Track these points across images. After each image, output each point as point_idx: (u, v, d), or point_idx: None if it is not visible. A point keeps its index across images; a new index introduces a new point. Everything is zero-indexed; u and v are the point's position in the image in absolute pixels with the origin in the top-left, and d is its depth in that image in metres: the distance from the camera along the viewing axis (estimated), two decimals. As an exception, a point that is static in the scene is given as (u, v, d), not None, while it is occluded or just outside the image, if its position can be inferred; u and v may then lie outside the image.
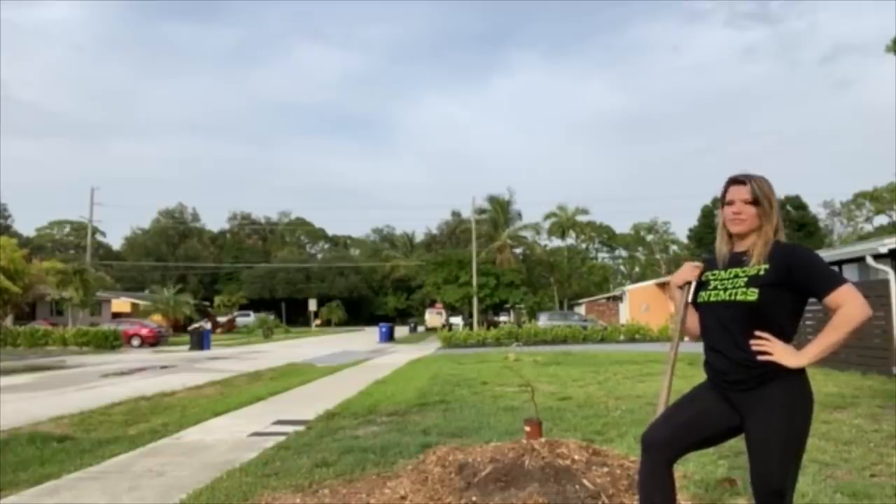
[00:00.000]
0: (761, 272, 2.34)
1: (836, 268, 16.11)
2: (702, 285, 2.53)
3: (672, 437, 2.43)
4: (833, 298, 2.25)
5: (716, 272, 2.49)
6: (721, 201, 2.51)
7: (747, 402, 2.32)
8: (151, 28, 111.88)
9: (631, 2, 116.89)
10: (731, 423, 2.40)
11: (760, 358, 2.28)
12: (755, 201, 2.39)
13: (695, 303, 2.59)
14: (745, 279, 2.35)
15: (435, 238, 79.52)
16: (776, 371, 2.28)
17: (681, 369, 9.77)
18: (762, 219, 2.40)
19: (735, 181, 2.45)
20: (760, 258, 2.36)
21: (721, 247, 2.52)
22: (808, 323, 13.76)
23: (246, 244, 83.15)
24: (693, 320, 2.64)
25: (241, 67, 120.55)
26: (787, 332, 2.36)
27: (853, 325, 2.22)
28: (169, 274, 68.64)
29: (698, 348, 2.59)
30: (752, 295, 2.31)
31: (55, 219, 74.13)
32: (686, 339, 2.71)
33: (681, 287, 2.63)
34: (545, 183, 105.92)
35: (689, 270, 2.62)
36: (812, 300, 2.33)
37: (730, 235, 2.50)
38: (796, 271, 2.30)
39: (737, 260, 2.44)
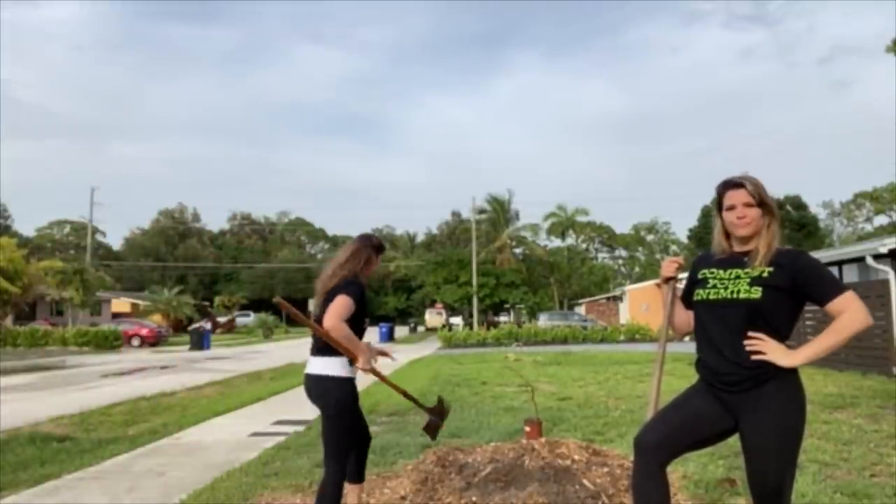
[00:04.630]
0: (765, 273, 2.33)
1: (835, 268, 16.12)
2: (698, 283, 2.49)
3: (666, 439, 2.41)
4: (836, 305, 2.26)
5: (713, 270, 2.45)
6: (718, 207, 2.47)
7: (741, 404, 2.31)
8: (152, 28, 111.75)
9: (630, 3, 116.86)
10: (724, 425, 2.38)
11: (754, 357, 2.27)
12: (756, 203, 2.37)
13: (688, 300, 2.57)
14: (748, 279, 2.34)
15: (435, 238, 79.54)
16: (771, 372, 2.27)
17: (680, 369, 9.80)
18: (764, 219, 2.38)
19: (731, 185, 2.42)
20: (763, 261, 2.34)
21: (719, 248, 2.50)
22: (807, 323, 13.78)
23: (246, 244, 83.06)
24: (681, 318, 2.63)
25: (241, 68, 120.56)
26: (783, 334, 2.35)
27: (853, 331, 2.23)
28: (169, 274, 68.59)
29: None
30: (756, 293, 2.30)
31: (55, 219, 73.98)
32: (672, 336, 2.69)
33: (665, 283, 2.61)
34: (545, 183, 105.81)
35: (668, 266, 2.61)
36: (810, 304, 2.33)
37: (727, 237, 2.47)
38: (800, 276, 2.30)
39: (737, 261, 2.42)
